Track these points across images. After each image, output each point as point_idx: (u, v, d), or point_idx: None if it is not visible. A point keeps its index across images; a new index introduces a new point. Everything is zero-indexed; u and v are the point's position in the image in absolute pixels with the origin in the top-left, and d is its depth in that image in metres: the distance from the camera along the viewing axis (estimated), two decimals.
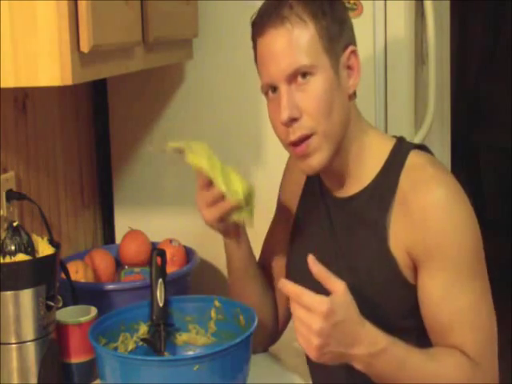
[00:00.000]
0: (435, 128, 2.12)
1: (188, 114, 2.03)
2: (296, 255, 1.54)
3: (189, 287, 1.83)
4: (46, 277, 1.44)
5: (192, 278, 1.85)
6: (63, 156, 1.96)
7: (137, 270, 1.88)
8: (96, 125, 2.14)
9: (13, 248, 1.42)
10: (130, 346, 1.51)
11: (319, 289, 1.24)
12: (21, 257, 1.42)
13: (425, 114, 1.98)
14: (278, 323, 1.65)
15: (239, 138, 2.00)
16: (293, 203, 1.60)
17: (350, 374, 1.32)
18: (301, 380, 1.57)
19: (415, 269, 1.37)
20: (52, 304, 1.45)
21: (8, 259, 1.41)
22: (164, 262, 1.55)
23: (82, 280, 1.75)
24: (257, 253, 1.63)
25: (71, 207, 2.01)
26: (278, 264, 1.62)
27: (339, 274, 1.27)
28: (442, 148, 2.28)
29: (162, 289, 1.52)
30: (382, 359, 1.26)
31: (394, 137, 1.48)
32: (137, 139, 2.09)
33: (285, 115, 1.35)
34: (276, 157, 1.71)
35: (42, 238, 1.49)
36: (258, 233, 1.60)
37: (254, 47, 1.42)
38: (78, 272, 1.75)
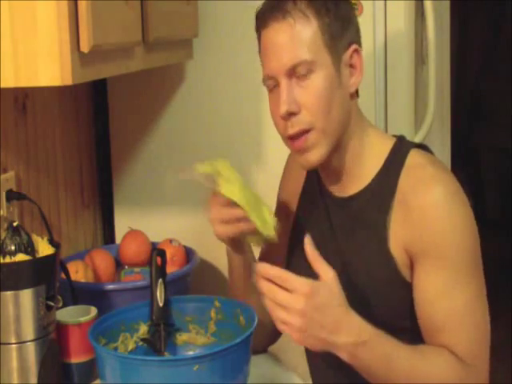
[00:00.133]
0: (435, 128, 2.12)
1: (188, 114, 2.03)
2: (295, 254, 1.54)
3: (189, 287, 1.83)
4: (45, 277, 1.44)
5: (192, 278, 1.85)
6: (63, 156, 1.96)
7: (137, 270, 1.88)
8: (96, 125, 2.14)
9: (13, 248, 1.42)
10: (130, 346, 1.50)
11: None
12: (21, 257, 1.42)
13: (425, 113, 1.98)
14: None
15: (239, 137, 2.00)
16: (292, 201, 1.60)
17: (350, 374, 1.32)
18: (301, 380, 1.57)
19: (413, 267, 1.37)
20: (52, 304, 1.45)
21: (8, 259, 1.41)
22: (164, 262, 1.55)
23: (82, 280, 1.75)
24: (256, 252, 1.63)
25: (71, 207, 2.01)
26: (277, 263, 1.61)
27: (338, 273, 1.27)
28: (442, 148, 2.28)
29: (162, 289, 1.52)
30: (366, 350, 1.25)
31: (395, 136, 1.48)
32: (137, 139, 2.09)
33: (283, 109, 1.35)
34: (276, 157, 1.71)
35: (42, 238, 1.49)
36: None
37: (259, 38, 1.42)
38: (77, 272, 1.75)
